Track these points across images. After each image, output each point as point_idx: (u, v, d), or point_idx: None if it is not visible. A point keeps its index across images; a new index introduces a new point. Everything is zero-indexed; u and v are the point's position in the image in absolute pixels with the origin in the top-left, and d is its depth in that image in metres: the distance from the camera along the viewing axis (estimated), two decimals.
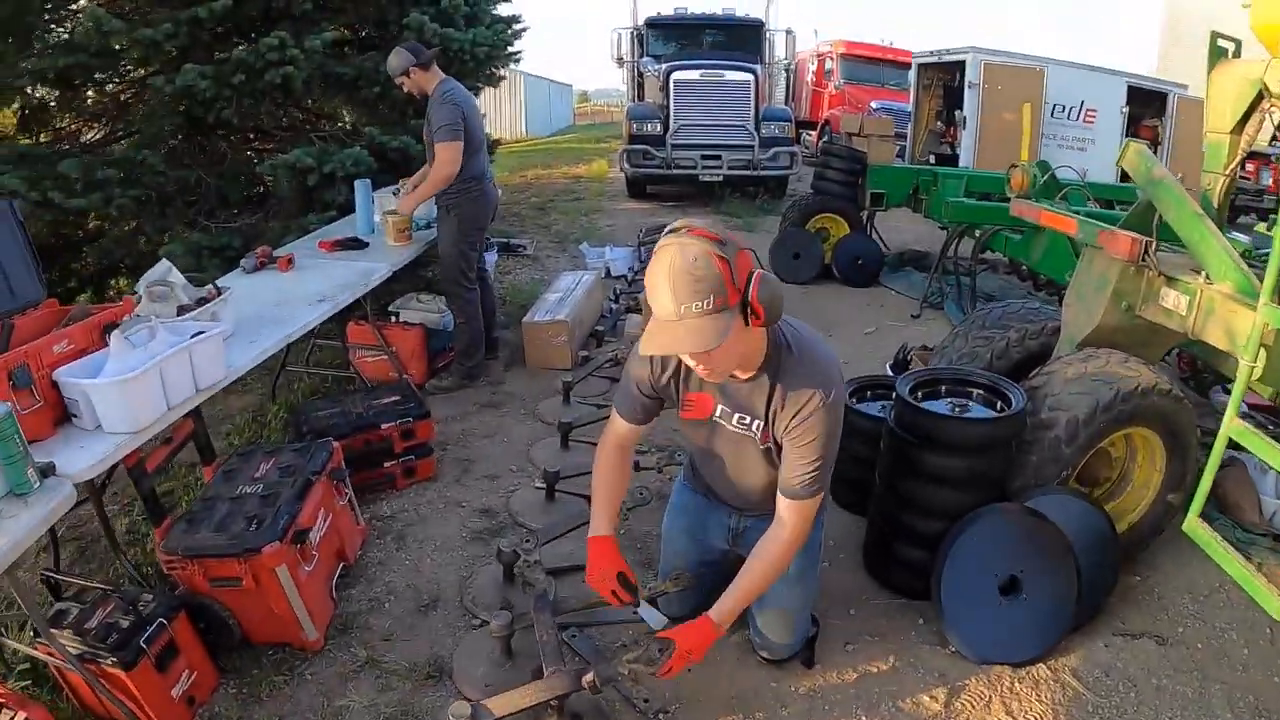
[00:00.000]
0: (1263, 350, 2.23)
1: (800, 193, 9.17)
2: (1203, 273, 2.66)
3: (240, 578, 2.40)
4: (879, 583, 2.88)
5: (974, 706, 2.35)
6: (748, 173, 10.13)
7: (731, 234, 1.84)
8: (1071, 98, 9.57)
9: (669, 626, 2.15)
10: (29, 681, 2.38)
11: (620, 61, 11.80)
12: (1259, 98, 2.67)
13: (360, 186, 4.71)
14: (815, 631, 2.52)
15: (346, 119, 6.55)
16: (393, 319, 4.76)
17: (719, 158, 9.98)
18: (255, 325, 3.12)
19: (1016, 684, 2.42)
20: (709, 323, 1.73)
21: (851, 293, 6.85)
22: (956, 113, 9.94)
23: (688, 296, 1.72)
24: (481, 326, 4.70)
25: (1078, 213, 3.64)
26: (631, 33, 11.70)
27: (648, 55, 11.62)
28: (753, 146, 10.00)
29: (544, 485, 3.34)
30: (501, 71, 7.25)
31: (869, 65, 15.03)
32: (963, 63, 9.59)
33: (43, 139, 5.65)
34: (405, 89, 4.32)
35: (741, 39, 11.50)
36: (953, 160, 9.82)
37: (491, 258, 6.28)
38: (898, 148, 8.87)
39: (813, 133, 15.50)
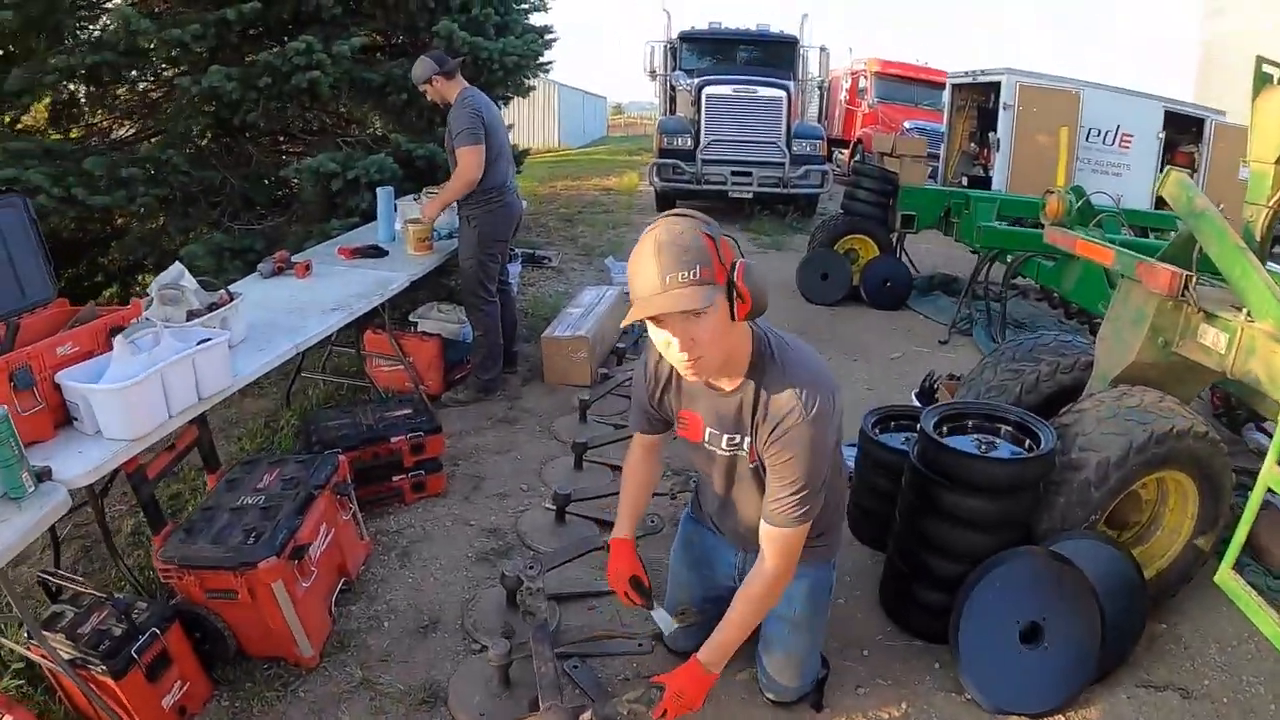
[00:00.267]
0: None
1: (830, 212, 9.09)
2: (1244, 309, 2.55)
3: (236, 591, 2.34)
4: (895, 623, 2.77)
5: None
6: (778, 190, 10.05)
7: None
8: (1107, 121, 9.38)
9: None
10: (23, 681, 2.35)
11: (653, 74, 11.80)
12: None
13: (383, 194, 4.67)
14: (825, 673, 2.43)
15: (375, 125, 6.54)
16: (412, 328, 4.72)
17: (749, 174, 9.91)
18: (267, 332, 3.08)
19: None
20: (696, 290, 1.65)
21: (879, 316, 6.74)
22: (990, 134, 9.79)
23: (673, 266, 1.64)
24: (500, 339, 4.64)
25: (1113, 242, 3.53)
26: (665, 46, 11.68)
27: (680, 69, 11.59)
28: (784, 164, 9.92)
29: (554, 507, 3.27)
30: (531, 81, 7.22)
31: (903, 84, 14.89)
32: (998, 84, 9.45)
33: (73, 134, 5.69)
34: (429, 97, 4.30)
35: (775, 55, 11.45)
36: (985, 182, 9.68)
37: (516, 269, 6.23)
38: (929, 169, 8.76)
39: (845, 151, 15.40)
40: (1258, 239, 2.78)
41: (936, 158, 10.58)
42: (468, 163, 4.12)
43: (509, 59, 5.96)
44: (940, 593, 2.56)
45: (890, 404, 3.52)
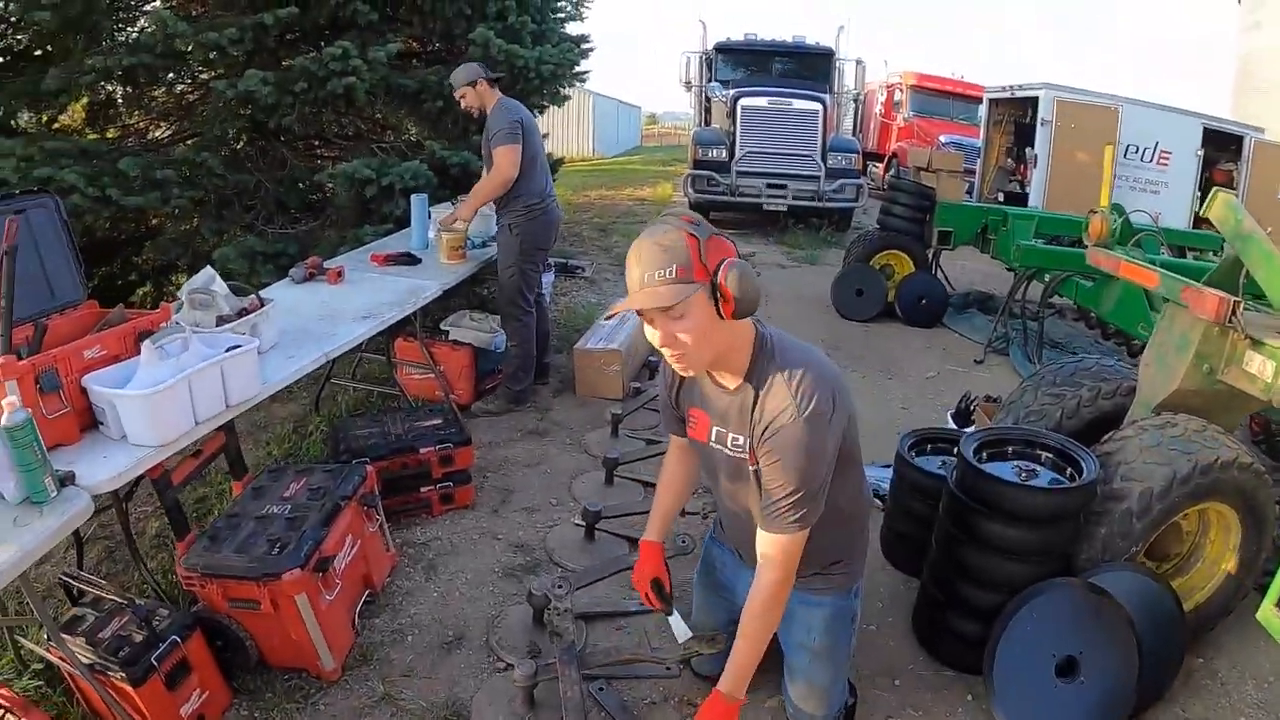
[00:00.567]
0: None
1: (865, 226, 9.00)
2: None
3: (259, 601, 2.32)
4: (928, 652, 2.69)
5: None
6: (812, 204, 9.97)
7: (724, 235, 1.77)
8: (1146, 138, 9.20)
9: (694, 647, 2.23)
10: (42, 682, 2.35)
11: (688, 85, 11.76)
12: None
13: (417, 201, 4.66)
14: (853, 701, 2.35)
15: (410, 132, 6.55)
16: (443, 336, 4.70)
17: (784, 187, 9.84)
18: (298, 339, 3.06)
19: None
20: (670, 288, 1.68)
21: (914, 333, 6.64)
22: (1027, 150, 9.65)
23: (651, 265, 1.69)
24: (533, 350, 4.60)
25: (1154, 262, 3.43)
26: (700, 57, 11.64)
27: (715, 80, 11.55)
28: (819, 177, 9.84)
29: (584, 523, 3.23)
30: (567, 90, 7.21)
31: (939, 98, 14.73)
32: (1035, 99, 9.32)
33: (109, 135, 5.74)
34: (465, 104, 4.27)
35: (811, 68, 11.40)
36: (1022, 199, 9.55)
37: (549, 279, 6.19)
38: (966, 184, 8.65)
39: (879, 165, 15.29)
40: None
41: (972, 173, 10.47)
42: (504, 161, 4.10)
43: (545, 67, 5.95)
44: (975, 622, 2.49)
45: (927, 426, 3.45)
